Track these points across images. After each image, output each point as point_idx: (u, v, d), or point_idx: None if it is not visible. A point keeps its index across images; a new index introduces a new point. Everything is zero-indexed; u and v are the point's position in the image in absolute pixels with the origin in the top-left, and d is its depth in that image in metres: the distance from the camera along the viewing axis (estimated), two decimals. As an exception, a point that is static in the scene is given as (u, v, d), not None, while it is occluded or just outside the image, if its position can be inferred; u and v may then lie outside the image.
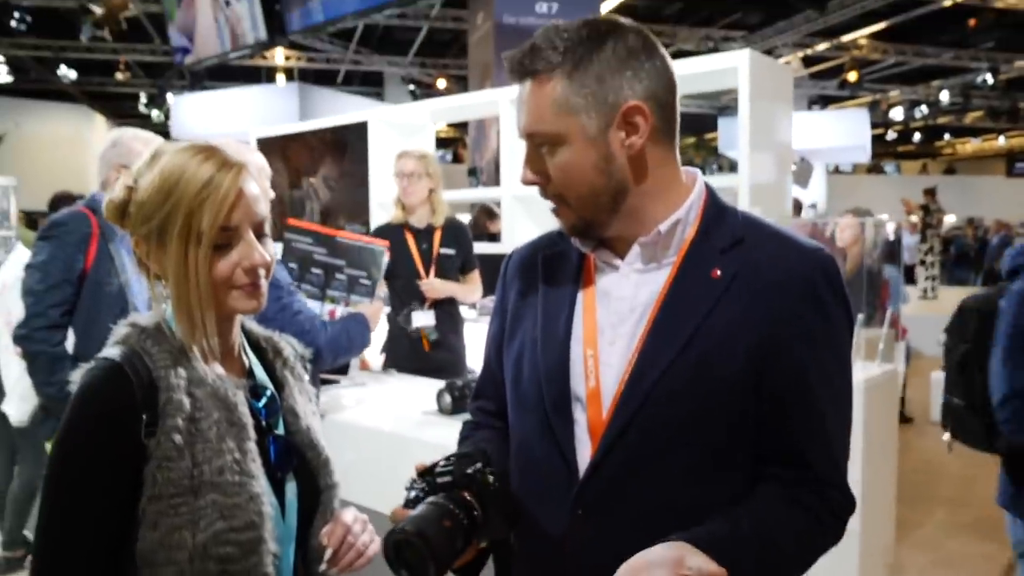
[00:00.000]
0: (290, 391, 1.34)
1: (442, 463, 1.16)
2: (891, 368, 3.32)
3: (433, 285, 3.50)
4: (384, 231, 3.65)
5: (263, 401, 1.27)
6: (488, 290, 4.58)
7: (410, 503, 1.14)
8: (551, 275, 1.29)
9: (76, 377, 1.17)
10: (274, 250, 1.26)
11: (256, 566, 1.15)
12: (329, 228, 2.68)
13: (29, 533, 4.09)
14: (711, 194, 1.24)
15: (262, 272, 1.21)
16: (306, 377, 1.40)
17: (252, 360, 1.32)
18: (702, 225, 1.20)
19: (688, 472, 1.14)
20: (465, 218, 10.05)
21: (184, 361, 1.18)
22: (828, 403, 1.17)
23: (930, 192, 12.99)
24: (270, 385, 1.31)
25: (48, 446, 2.69)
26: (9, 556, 3.99)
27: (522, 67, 1.16)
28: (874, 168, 26.21)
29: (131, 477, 1.11)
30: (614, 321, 1.20)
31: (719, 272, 1.16)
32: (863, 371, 3.07)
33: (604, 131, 1.14)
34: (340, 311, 2.64)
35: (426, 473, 1.17)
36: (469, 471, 1.13)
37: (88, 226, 2.58)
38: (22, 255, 2.91)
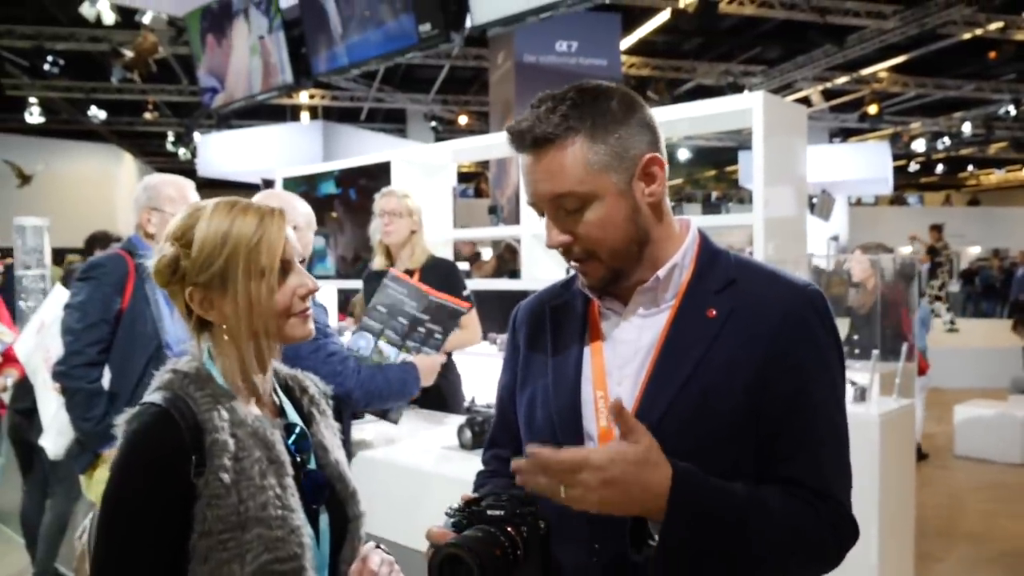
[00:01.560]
0: (317, 427, 1.42)
1: (491, 498, 1.20)
2: (908, 403, 3.33)
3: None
4: (367, 277, 3.65)
5: (294, 437, 1.35)
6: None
7: (455, 527, 1.17)
8: (559, 324, 1.36)
9: (121, 422, 1.25)
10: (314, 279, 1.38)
11: None
12: (425, 287, 2.77)
13: (60, 566, 4.17)
14: (704, 239, 1.32)
15: (311, 300, 1.33)
16: (330, 412, 1.48)
17: (283, 399, 1.40)
18: (697, 268, 1.28)
19: None
20: (488, 253, 10.11)
21: (225, 403, 1.26)
22: (823, 430, 1.22)
23: (936, 228, 12.96)
24: (300, 422, 1.39)
25: (83, 479, 2.79)
26: (41, 588, 4.07)
27: (536, 136, 1.20)
28: (897, 200, 26.12)
29: (181, 516, 1.18)
30: (620, 363, 1.28)
31: (715, 312, 1.23)
32: (879, 406, 3.09)
33: (629, 184, 1.21)
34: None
35: (473, 503, 1.20)
36: (520, 511, 1.17)
37: (125, 268, 2.70)
38: (61, 295, 3.02)
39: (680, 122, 3.75)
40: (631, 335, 1.28)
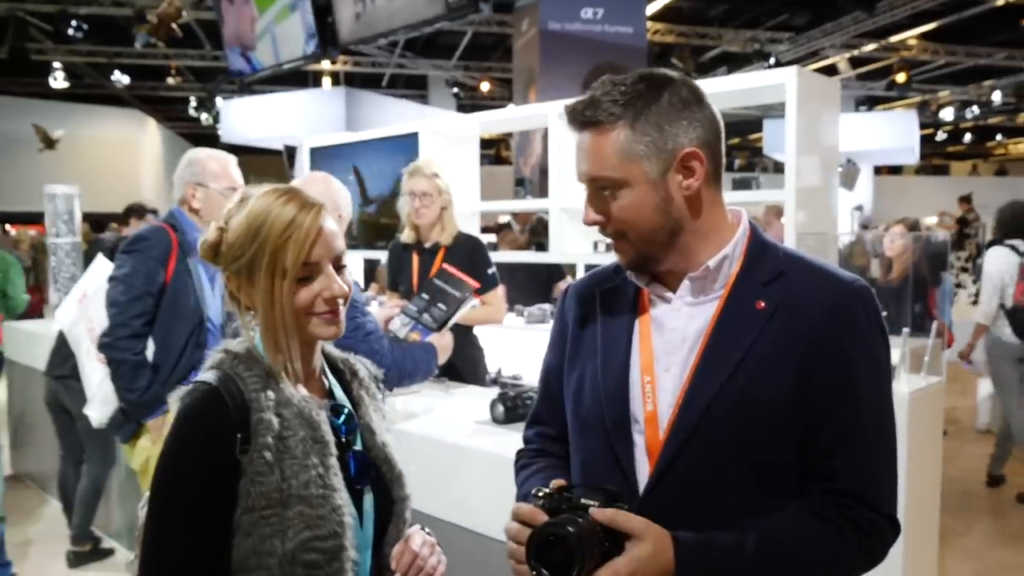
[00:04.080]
0: (366, 409, 1.46)
1: (584, 488, 1.23)
2: (937, 380, 3.34)
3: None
4: (393, 248, 3.70)
5: (342, 419, 1.39)
6: (537, 298, 4.67)
7: (548, 510, 1.20)
8: (609, 308, 1.39)
9: (175, 398, 1.30)
10: (352, 279, 1.38)
11: (338, 571, 1.26)
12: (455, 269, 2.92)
13: (96, 529, 4.29)
14: (755, 231, 1.34)
15: (340, 301, 1.33)
16: (379, 396, 1.52)
17: (332, 381, 1.44)
18: (746, 260, 1.31)
19: (740, 489, 1.24)
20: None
21: (272, 384, 1.30)
22: (867, 423, 1.24)
23: (965, 199, 12.79)
24: (348, 404, 1.43)
25: (125, 448, 2.86)
26: (77, 550, 4.19)
27: (584, 118, 1.26)
28: (923, 169, 25.77)
29: (227, 491, 1.23)
30: (668, 350, 1.30)
31: (763, 304, 1.25)
32: (908, 384, 3.10)
33: (664, 175, 1.24)
34: (415, 336, 2.78)
35: (565, 489, 1.23)
36: (612, 505, 1.19)
37: (168, 241, 2.74)
38: (103, 266, 3.07)
39: (714, 96, 3.73)
40: (679, 323, 1.30)
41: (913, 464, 2.94)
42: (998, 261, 4.99)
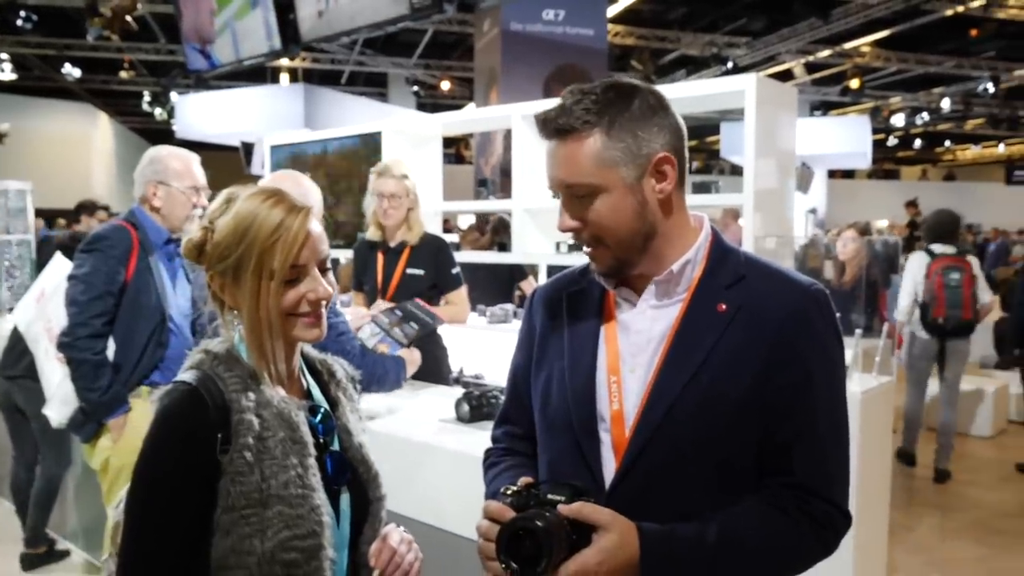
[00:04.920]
0: (343, 410, 1.47)
1: (550, 484, 1.27)
2: (888, 379, 3.44)
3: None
4: (359, 247, 3.70)
5: (319, 418, 1.40)
6: (499, 298, 4.70)
7: (516, 506, 1.23)
8: (575, 311, 1.43)
9: (154, 398, 1.29)
10: (335, 283, 1.39)
11: (316, 570, 1.27)
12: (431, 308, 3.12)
13: (50, 531, 4.22)
14: (716, 236, 1.39)
15: (324, 304, 1.34)
16: (356, 397, 1.53)
17: (310, 382, 1.45)
18: (708, 264, 1.35)
19: (703, 485, 1.28)
20: (464, 222, 10.07)
21: (253, 385, 1.30)
22: (822, 421, 1.30)
23: (912, 204, 13.14)
24: (326, 404, 1.44)
25: (85, 448, 2.83)
26: (31, 553, 4.10)
27: (558, 126, 1.28)
28: (874, 173, 26.35)
29: (207, 490, 1.24)
30: (634, 351, 1.34)
31: (724, 306, 1.30)
32: (860, 383, 3.20)
33: (639, 180, 1.28)
34: (383, 348, 2.86)
35: (532, 486, 1.27)
36: (578, 500, 1.22)
37: (129, 240, 2.71)
38: (61, 264, 3.03)
39: (676, 101, 3.79)
40: (644, 324, 1.34)
41: (864, 461, 3.03)
42: (912, 265, 5.50)
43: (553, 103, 1.30)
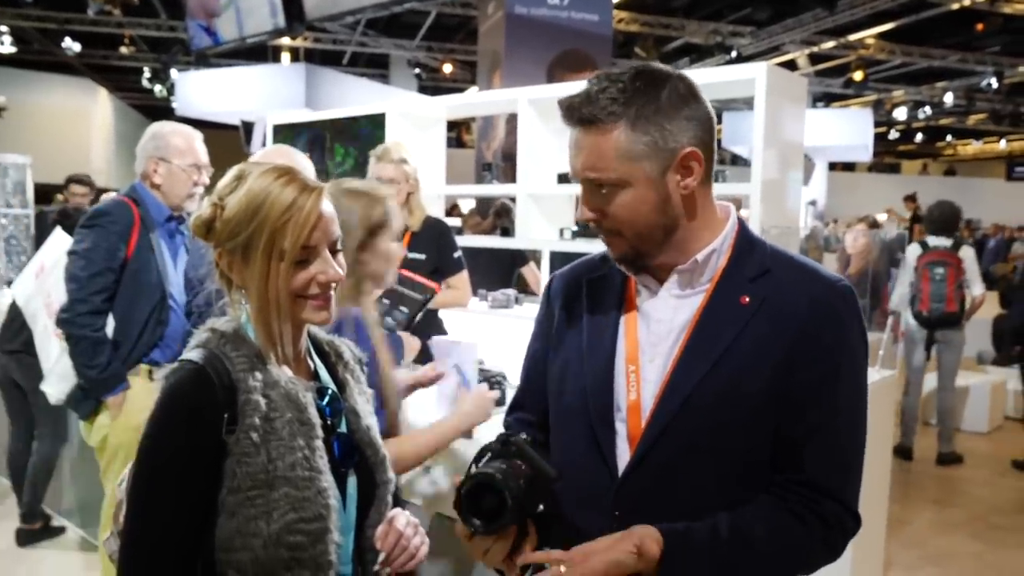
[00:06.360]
0: (351, 392, 1.45)
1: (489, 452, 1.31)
2: (890, 373, 3.43)
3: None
4: None
5: (327, 400, 1.37)
6: (500, 284, 4.67)
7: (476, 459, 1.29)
8: (595, 297, 1.40)
9: (160, 377, 1.27)
10: (344, 264, 1.36)
11: (322, 553, 1.26)
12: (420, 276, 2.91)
13: (46, 507, 4.20)
14: (743, 227, 1.35)
15: (333, 286, 1.31)
16: (364, 379, 1.51)
17: (317, 363, 1.43)
18: (733, 255, 1.32)
19: (717, 478, 1.26)
20: (466, 206, 10.04)
21: (260, 365, 1.28)
22: (842, 419, 1.28)
23: (910, 198, 13.13)
24: (333, 386, 1.42)
25: (83, 425, 2.80)
26: (27, 528, 4.10)
27: (582, 115, 1.24)
28: (875, 166, 26.31)
29: (212, 470, 1.21)
30: (654, 340, 1.32)
31: (747, 299, 1.27)
32: (865, 377, 3.19)
33: (663, 175, 1.24)
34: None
35: (484, 450, 1.31)
36: (506, 442, 1.30)
37: (130, 216, 2.68)
38: (61, 239, 2.99)
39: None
40: (666, 314, 1.32)
41: (867, 456, 3.03)
42: (908, 256, 5.66)
43: (579, 87, 1.26)
